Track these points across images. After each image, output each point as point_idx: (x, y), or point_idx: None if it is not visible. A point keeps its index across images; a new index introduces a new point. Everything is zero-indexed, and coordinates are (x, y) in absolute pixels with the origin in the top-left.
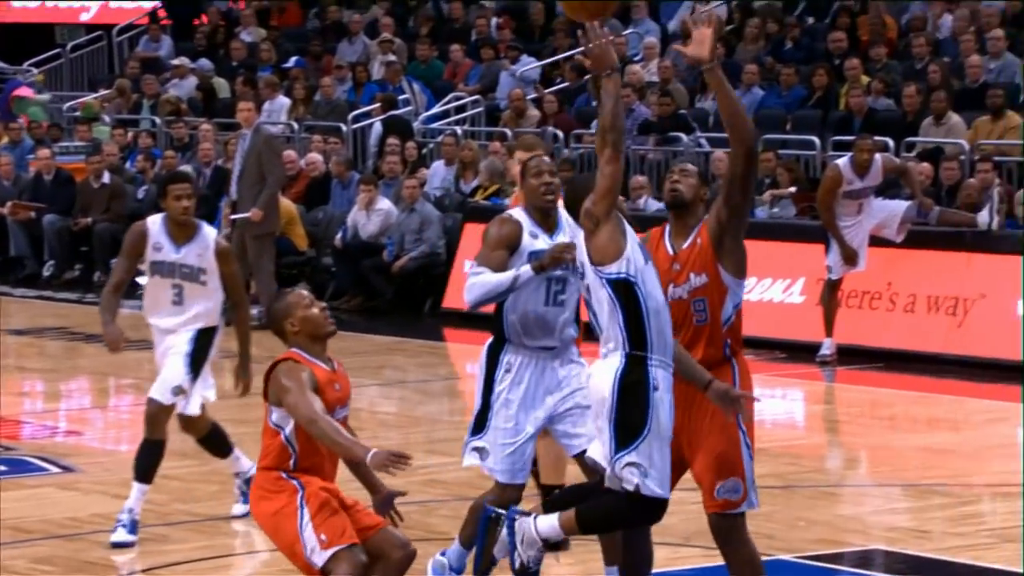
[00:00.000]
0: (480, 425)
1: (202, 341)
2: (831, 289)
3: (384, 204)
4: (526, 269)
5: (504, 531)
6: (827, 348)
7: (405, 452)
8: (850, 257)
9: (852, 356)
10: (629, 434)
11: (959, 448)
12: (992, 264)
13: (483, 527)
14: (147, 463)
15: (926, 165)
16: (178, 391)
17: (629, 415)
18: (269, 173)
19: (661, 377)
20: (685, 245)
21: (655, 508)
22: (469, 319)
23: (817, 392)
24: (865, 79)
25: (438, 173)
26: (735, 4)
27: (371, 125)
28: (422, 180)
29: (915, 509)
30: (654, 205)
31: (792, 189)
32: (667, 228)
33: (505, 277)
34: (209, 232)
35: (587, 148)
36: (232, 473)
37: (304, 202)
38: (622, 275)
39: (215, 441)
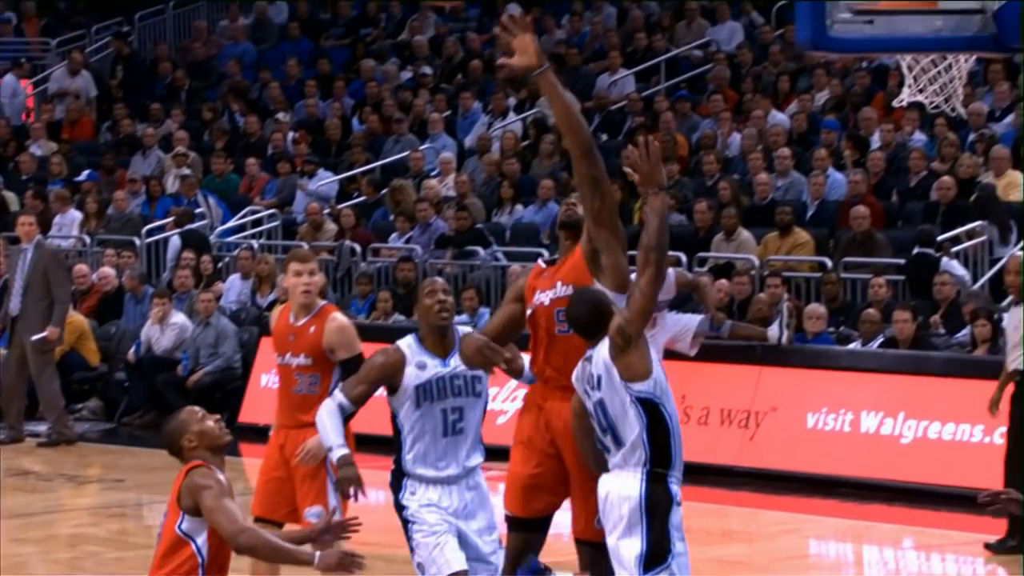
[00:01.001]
0: (411, 545)
1: None
2: None
3: (178, 318)
4: (337, 456)
5: None
6: None
7: (356, 552)
8: None
9: None
10: (658, 556)
11: (752, 560)
12: (783, 377)
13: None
14: None
15: (724, 282)
16: None
17: (658, 536)
18: (57, 287)
19: (680, 492)
20: (557, 264)
21: None
22: (266, 434)
23: None
24: None
25: (234, 287)
26: (530, 120)
27: (166, 239)
28: (217, 294)
29: None
30: None
31: None
32: (542, 260)
33: (327, 440)
34: None
35: (383, 261)
36: None
37: (96, 317)
38: (651, 396)
39: None
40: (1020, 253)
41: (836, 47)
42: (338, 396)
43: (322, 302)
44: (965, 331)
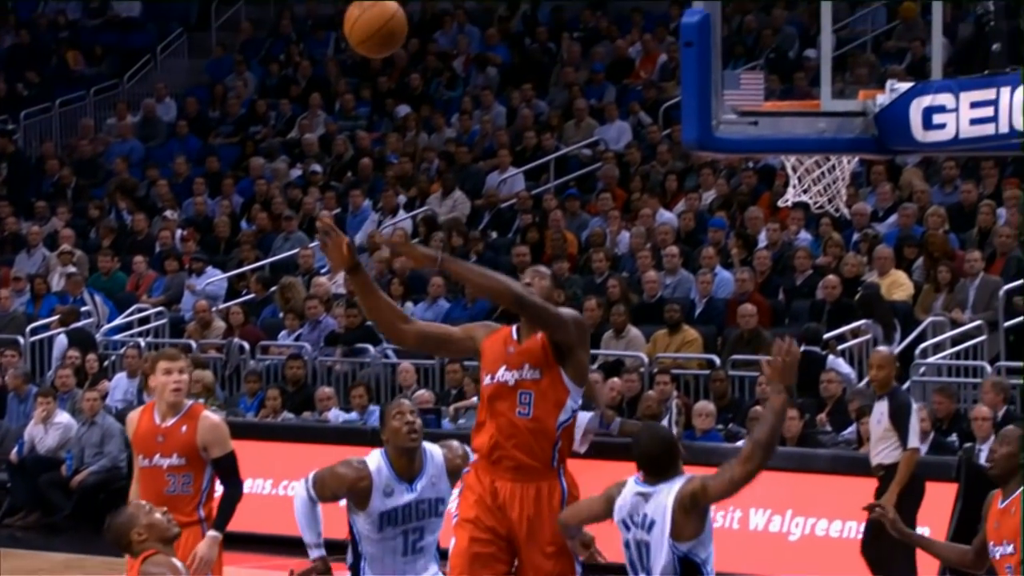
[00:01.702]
0: None
1: None
2: None
3: (63, 417)
4: (314, 556)
5: None
6: None
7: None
8: None
9: None
10: None
11: None
12: None
13: None
14: None
15: (614, 379)
16: None
17: None
18: None
19: None
20: (527, 339)
21: None
22: None
23: None
24: None
25: (120, 385)
26: (420, 218)
27: (51, 338)
28: (103, 392)
29: None
30: (341, 416)
31: (474, 400)
32: (516, 326)
33: (306, 536)
34: None
35: (272, 359)
36: None
37: None
38: (695, 556)
39: None
40: (883, 348)
41: (722, 147)
42: (311, 492)
43: (189, 401)
44: (851, 428)
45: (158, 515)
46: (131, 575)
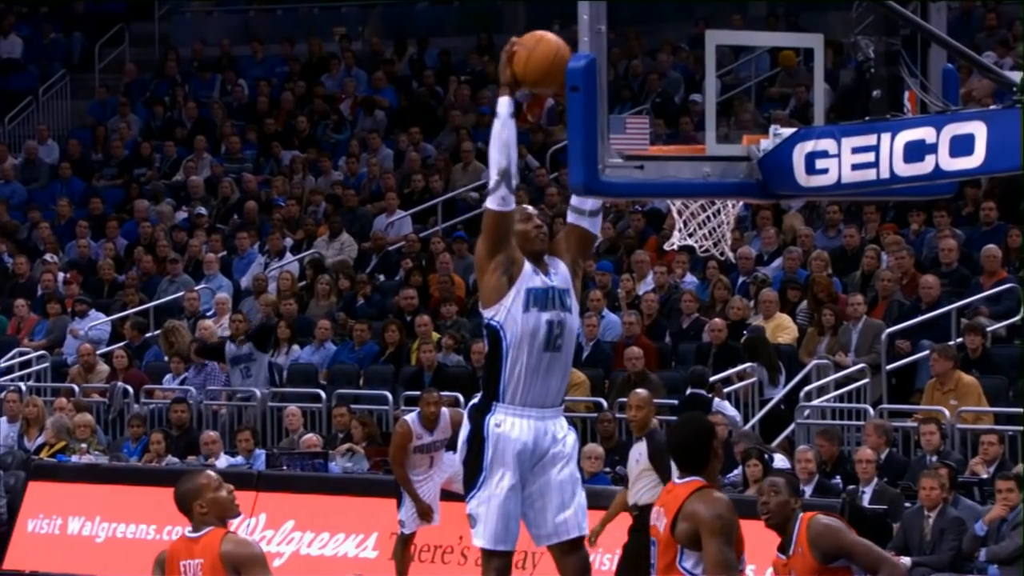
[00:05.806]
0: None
1: None
2: (404, 543)
3: None
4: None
5: None
6: None
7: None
8: (425, 512)
9: None
10: None
11: None
12: None
13: None
14: None
15: None
16: None
17: None
18: None
19: None
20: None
21: None
22: None
23: None
24: (436, 335)
25: (1, 430)
26: (307, 261)
27: None
28: None
29: None
30: (227, 460)
31: (362, 444)
32: None
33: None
34: None
35: (157, 403)
36: None
37: None
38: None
39: None
40: (641, 390)
41: (608, 191)
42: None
43: None
44: (737, 471)
45: (224, 493)
46: (209, 545)
